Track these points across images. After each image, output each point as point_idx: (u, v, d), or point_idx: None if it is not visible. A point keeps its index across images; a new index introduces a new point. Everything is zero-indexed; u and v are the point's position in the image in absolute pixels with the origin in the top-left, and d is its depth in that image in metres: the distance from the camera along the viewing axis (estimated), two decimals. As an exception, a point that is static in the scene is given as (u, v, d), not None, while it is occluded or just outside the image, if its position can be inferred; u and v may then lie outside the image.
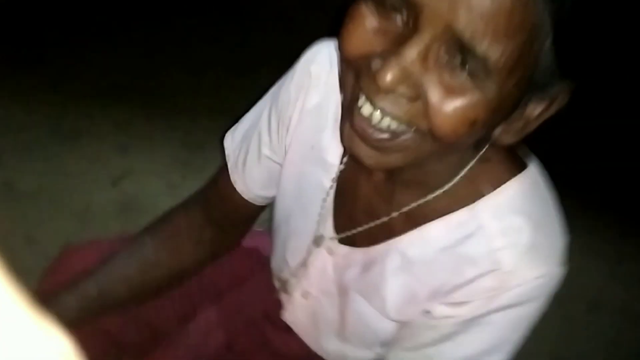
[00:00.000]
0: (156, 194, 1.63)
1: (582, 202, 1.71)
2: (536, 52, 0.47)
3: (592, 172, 1.92)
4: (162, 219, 0.87)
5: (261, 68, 1.65)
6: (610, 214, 1.87)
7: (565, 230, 0.62)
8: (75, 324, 0.75)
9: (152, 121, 1.87)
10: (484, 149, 0.61)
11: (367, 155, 0.55)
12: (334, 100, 0.69)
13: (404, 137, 0.53)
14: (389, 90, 0.49)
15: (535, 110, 0.54)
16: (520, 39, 0.46)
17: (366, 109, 0.52)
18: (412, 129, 0.52)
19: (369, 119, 0.52)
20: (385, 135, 0.53)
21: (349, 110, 0.55)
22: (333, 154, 0.72)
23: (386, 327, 0.70)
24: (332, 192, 0.73)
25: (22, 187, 1.61)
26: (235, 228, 0.89)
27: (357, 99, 0.53)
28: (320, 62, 0.70)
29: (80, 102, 1.87)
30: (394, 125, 0.52)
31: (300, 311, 0.83)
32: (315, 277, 0.77)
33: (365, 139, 0.53)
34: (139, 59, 2.09)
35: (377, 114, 0.51)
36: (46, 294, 0.77)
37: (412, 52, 0.47)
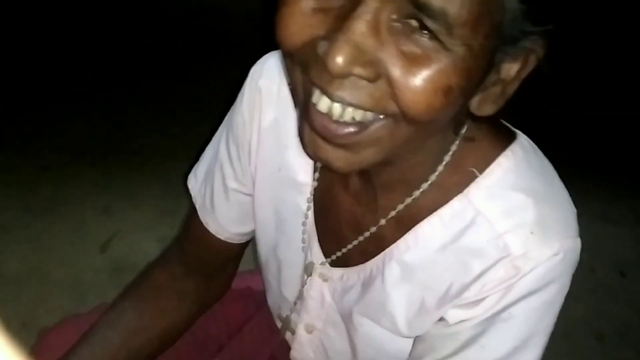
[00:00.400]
0: (147, 251, 1.56)
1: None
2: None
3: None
4: (139, 279, 0.80)
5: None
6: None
7: (570, 200, 0.55)
8: None
9: (131, 178, 1.81)
10: (465, 128, 0.54)
11: (335, 157, 0.48)
12: (292, 113, 0.63)
13: (373, 127, 0.46)
14: (343, 75, 0.42)
15: (511, 69, 0.47)
16: None
17: (323, 103, 0.45)
18: (381, 116, 0.45)
19: (328, 115, 0.45)
20: (351, 129, 0.46)
21: (304, 110, 0.48)
22: (303, 171, 0.65)
23: (401, 346, 0.63)
24: (311, 214, 0.66)
25: (9, 272, 1.54)
26: (219, 273, 0.81)
27: (310, 95, 0.46)
28: (268, 75, 0.64)
29: (55, 172, 1.81)
30: (358, 115, 0.45)
31: (307, 347, 0.75)
32: (315, 308, 0.70)
33: (329, 139, 0.47)
34: (108, 121, 2.05)
35: (337, 106, 0.45)
36: None
37: (360, 24, 0.41)
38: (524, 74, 0.48)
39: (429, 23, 0.40)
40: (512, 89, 0.48)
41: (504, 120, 0.58)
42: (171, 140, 1.97)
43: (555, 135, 2.14)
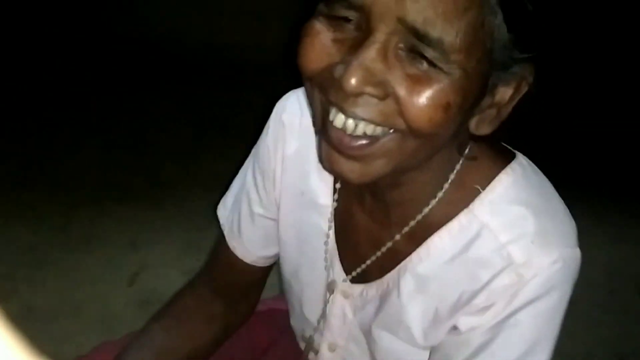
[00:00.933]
0: (174, 283, 1.60)
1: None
2: (489, 29, 0.48)
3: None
4: (169, 304, 0.85)
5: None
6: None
7: (568, 212, 0.60)
8: None
9: (156, 213, 1.87)
10: (468, 148, 0.59)
11: (349, 169, 0.54)
12: (312, 144, 0.69)
13: (383, 141, 0.52)
14: (356, 93, 0.49)
15: (505, 93, 0.53)
16: (469, 17, 0.47)
17: (339, 119, 0.52)
18: (390, 130, 0.52)
19: (343, 129, 0.52)
20: (363, 142, 0.52)
21: (322, 127, 0.54)
22: (323, 194, 0.70)
23: (418, 357, 0.67)
24: (332, 234, 0.71)
25: (41, 307, 1.59)
26: (244, 297, 0.86)
27: (327, 114, 0.53)
28: (290, 110, 0.71)
29: (82, 209, 1.88)
30: (369, 129, 0.51)
31: None
32: (337, 325, 0.74)
33: (344, 151, 0.53)
34: (133, 156, 2.13)
35: (351, 121, 0.51)
36: None
37: (371, 52, 0.48)
38: (516, 98, 0.53)
39: (428, 51, 0.47)
40: (506, 111, 0.54)
41: (511, 140, 0.63)
42: (194, 175, 2.05)
43: (568, 155, 2.18)
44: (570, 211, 0.60)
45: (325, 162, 0.55)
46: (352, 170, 0.53)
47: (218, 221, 0.83)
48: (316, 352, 0.79)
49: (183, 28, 2.84)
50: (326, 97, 0.52)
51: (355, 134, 0.51)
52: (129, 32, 2.70)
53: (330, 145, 0.53)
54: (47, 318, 1.56)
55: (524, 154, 0.63)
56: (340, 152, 0.53)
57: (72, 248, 1.75)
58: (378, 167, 0.53)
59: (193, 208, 1.87)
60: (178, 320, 0.81)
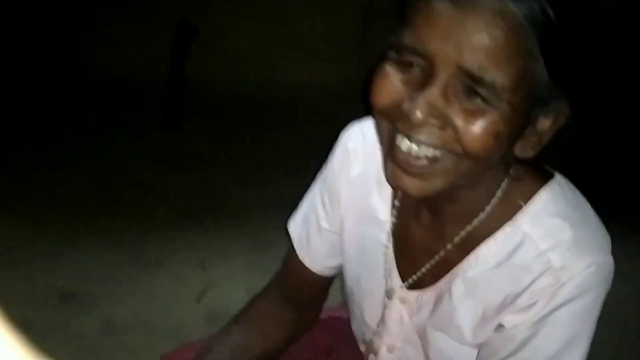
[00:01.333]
0: (238, 300, 1.71)
1: None
2: (532, 72, 0.58)
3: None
4: (245, 308, 0.95)
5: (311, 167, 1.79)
6: None
7: (602, 224, 0.68)
8: None
9: (224, 235, 2.01)
10: (512, 169, 0.68)
11: (411, 185, 0.63)
12: (374, 166, 0.79)
13: (441, 162, 0.62)
14: (421, 124, 0.60)
15: (545, 124, 0.63)
16: (517, 64, 0.57)
17: (404, 144, 0.62)
18: (448, 153, 0.61)
19: (408, 152, 0.62)
20: (425, 162, 0.62)
21: (389, 151, 0.65)
22: (383, 211, 0.80)
23: (468, 355, 0.74)
24: (390, 245, 0.80)
25: (119, 322, 1.74)
26: (310, 304, 0.95)
27: (394, 140, 0.63)
28: (354, 138, 0.82)
29: (157, 231, 2.05)
30: (430, 152, 0.62)
31: None
32: (395, 328, 0.82)
33: (407, 169, 0.63)
34: (202, 183, 2.29)
35: (414, 146, 0.62)
36: None
37: (434, 91, 0.59)
38: (555, 128, 0.63)
39: (482, 90, 0.57)
40: (546, 138, 0.64)
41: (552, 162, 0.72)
42: (260, 200, 2.19)
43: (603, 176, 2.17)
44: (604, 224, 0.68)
45: (391, 179, 0.65)
46: (414, 186, 0.63)
47: (278, 242, 0.93)
48: (376, 354, 0.86)
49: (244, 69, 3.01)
50: (394, 126, 0.63)
51: (418, 155, 0.62)
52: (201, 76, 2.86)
53: (396, 165, 0.63)
54: (124, 330, 1.70)
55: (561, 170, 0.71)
56: (405, 170, 0.63)
57: (148, 267, 1.90)
58: (436, 183, 0.63)
59: (257, 231, 2.00)
60: (253, 323, 0.92)
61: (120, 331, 1.71)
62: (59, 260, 1.90)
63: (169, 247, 1.98)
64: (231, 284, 1.81)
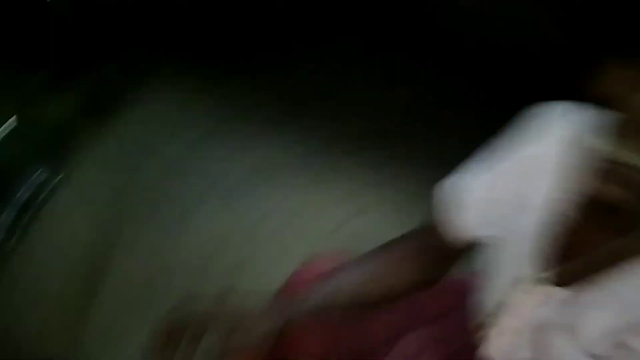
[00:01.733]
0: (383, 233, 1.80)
1: None
2: None
3: None
4: (383, 245, 1.00)
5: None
6: None
7: None
8: (304, 326, 0.92)
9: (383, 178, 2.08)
10: None
11: None
12: (555, 151, 0.76)
13: None
14: None
15: None
16: None
17: None
18: None
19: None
20: None
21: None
22: (541, 200, 0.78)
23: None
24: (539, 236, 0.79)
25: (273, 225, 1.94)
26: (441, 265, 0.97)
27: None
28: (545, 119, 0.79)
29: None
30: None
31: (493, 349, 0.88)
32: (515, 315, 0.83)
33: None
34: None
35: None
36: (291, 293, 0.96)
37: None
38: None
39: None
40: None
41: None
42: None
43: None
44: None
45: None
46: None
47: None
48: (486, 333, 0.89)
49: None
50: None
51: None
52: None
53: None
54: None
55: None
56: None
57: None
58: None
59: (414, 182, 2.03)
60: (391, 257, 0.96)
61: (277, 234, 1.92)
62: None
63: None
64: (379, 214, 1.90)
